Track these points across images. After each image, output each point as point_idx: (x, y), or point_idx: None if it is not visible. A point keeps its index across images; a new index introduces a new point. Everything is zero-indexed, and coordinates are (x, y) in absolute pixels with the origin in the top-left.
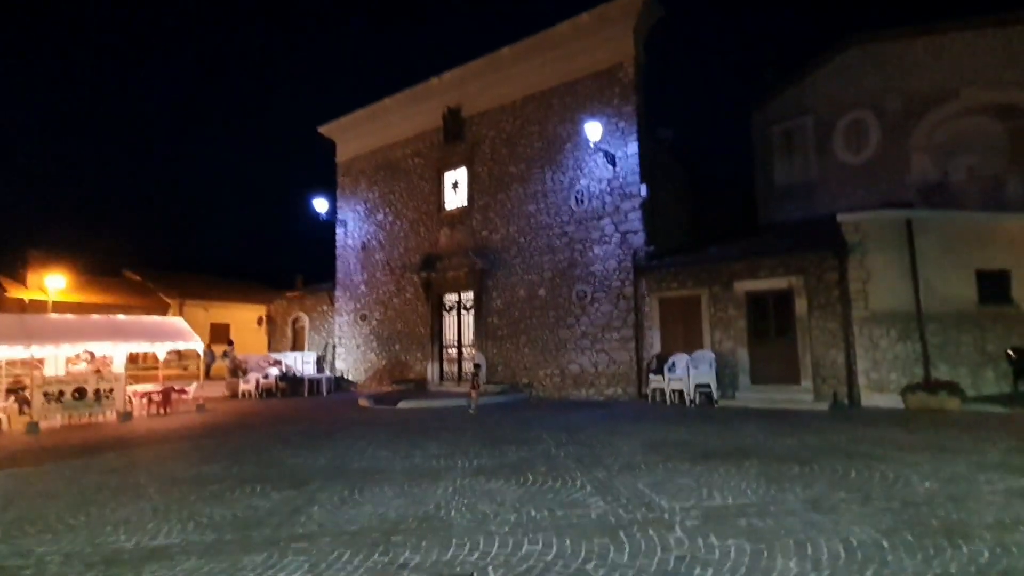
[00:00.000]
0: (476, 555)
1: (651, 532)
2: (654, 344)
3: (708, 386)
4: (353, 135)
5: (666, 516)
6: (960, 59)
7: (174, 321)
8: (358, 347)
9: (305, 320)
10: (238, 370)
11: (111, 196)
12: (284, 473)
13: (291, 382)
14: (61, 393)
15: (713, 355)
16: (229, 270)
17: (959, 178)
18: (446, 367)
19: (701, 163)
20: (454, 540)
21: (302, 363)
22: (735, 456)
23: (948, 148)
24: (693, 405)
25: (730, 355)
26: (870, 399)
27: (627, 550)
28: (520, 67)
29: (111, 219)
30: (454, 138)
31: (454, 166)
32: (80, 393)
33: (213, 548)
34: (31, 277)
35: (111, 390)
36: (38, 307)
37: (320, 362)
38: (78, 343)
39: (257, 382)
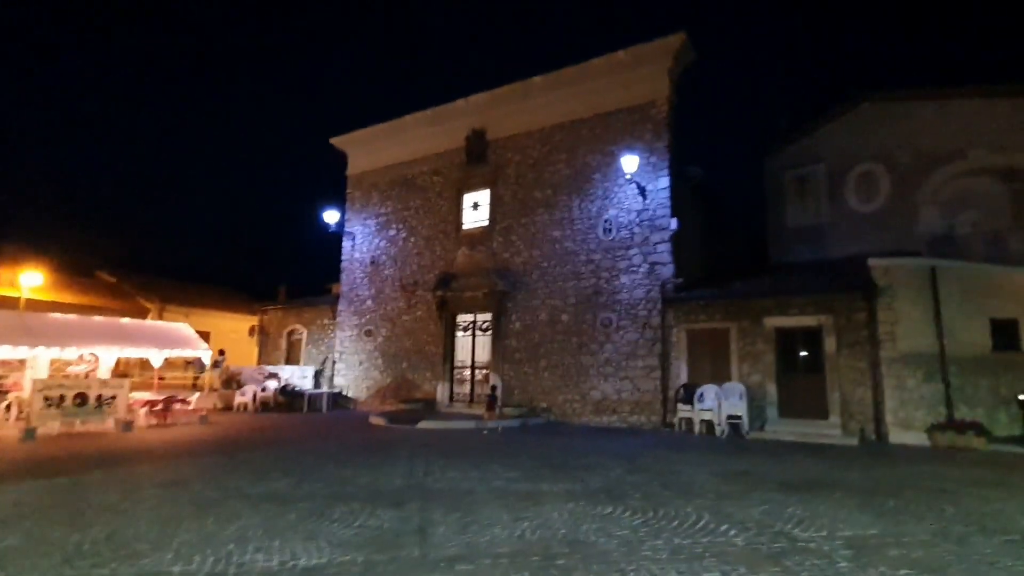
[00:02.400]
0: None
1: (816, 562)
2: (680, 374)
3: (739, 417)
4: (367, 149)
5: (812, 546)
6: (968, 122)
7: (179, 327)
8: (360, 363)
9: (303, 333)
10: (232, 381)
11: (84, 195)
12: (363, 492)
13: (290, 396)
14: (62, 398)
15: (743, 387)
16: (207, 277)
17: (964, 232)
18: (456, 388)
19: (716, 201)
20: (622, 565)
21: (299, 377)
22: (815, 488)
23: (954, 203)
24: (723, 436)
25: (758, 388)
26: (897, 436)
27: None
28: (551, 96)
29: (82, 218)
30: (477, 160)
31: (475, 187)
32: (81, 399)
33: (374, 570)
34: (1, 272)
35: (113, 397)
36: (8, 304)
37: (318, 377)
38: (84, 346)
39: (255, 395)
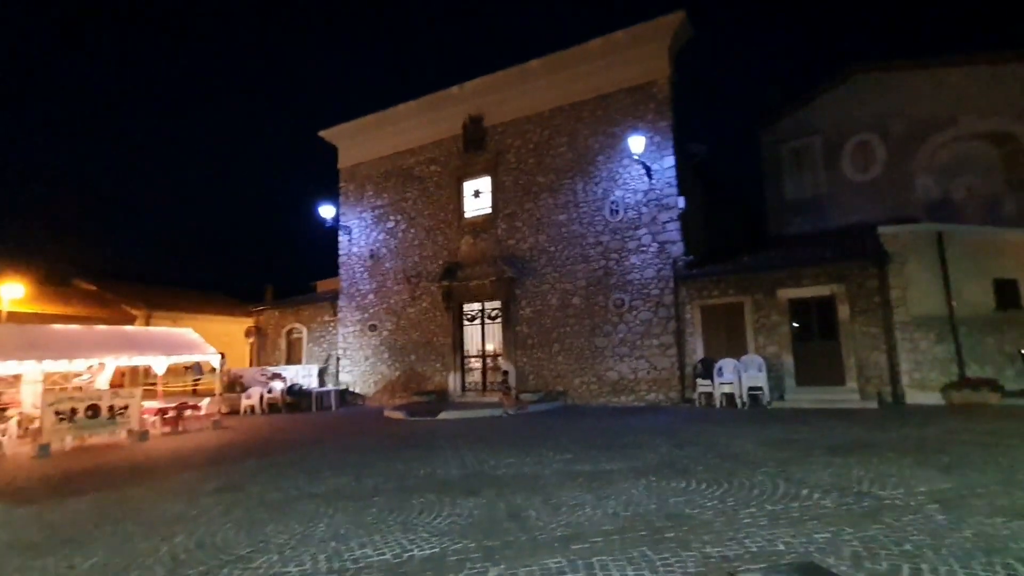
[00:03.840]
0: (782, 544)
1: (912, 517)
2: (696, 350)
3: (760, 389)
4: (358, 141)
5: (899, 503)
6: (957, 89)
7: (184, 332)
8: (366, 359)
9: (302, 331)
10: (235, 385)
11: (52, 199)
12: (428, 483)
13: (298, 396)
14: (73, 411)
15: (761, 359)
16: (187, 281)
17: (959, 197)
18: (468, 377)
19: (714, 177)
20: (730, 534)
21: (303, 376)
22: (864, 449)
23: (949, 169)
24: (745, 407)
25: (775, 359)
26: (914, 397)
27: (922, 533)
28: (549, 79)
29: (51, 224)
30: (475, 147)
31: (475, 175)
32: (93, 411)
33: (493, 556)
34: None
35: (126, 407)
36: None
37: (322, 375)
38: (92, 356)
39: (262, 397)
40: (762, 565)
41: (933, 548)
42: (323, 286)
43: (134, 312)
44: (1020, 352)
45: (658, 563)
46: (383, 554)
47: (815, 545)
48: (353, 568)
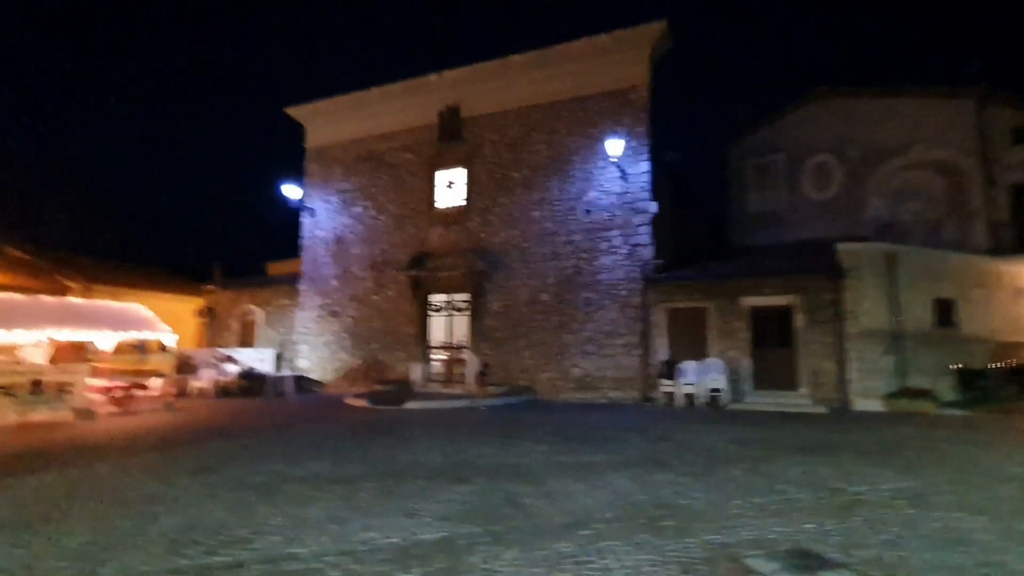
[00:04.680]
0: (774, 533)
1: (885, 512)
2: (660, 351)
3: (720, 390)
4: (328, 121)
5: (870, 498)
6: (911, 120)
7: (135, 308)
8: (326, 345)
9: (258, 314)
10: (184, 366)
11: None
12: (414, 470)
13: (253, 380)
14: (15, 386)
15: (723, 362)
16: (128, 255)
17: (906, 220)
18: (432, 368)
19: (682, 185)
20: (724, 522)
21: (257, 360)
22: (827, 450)
23: (899, 194)
24: (705, 407)
25: (734, 363)
26: (859, 404)
27: (896, 525)
28: (529, 75)
29: None
30: (451, 137)
31: (449, 165)
32: (37, 386)
33: (501, 540)
34: None
35: (71, 384)
36: None
37: (279, 359)
38: (34, 327)
39: (216, 380)
40: (761, 552)
41: (909, 538)
42: (276, 268)
43: (70, 284)
44: (952, 368)
45: (664, 548)
46: (390, 537)
47: (804, 534)
48: (363, 550)
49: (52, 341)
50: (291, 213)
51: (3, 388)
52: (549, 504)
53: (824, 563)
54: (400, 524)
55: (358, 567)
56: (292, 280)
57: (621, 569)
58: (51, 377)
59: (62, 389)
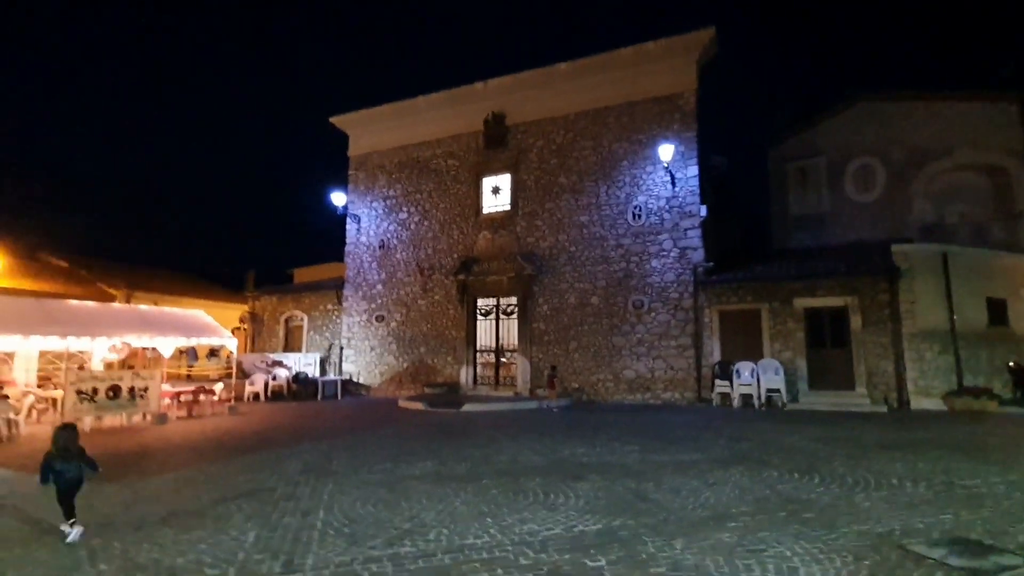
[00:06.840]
0: (920, 523)
1: (1007, 503)
2: (713, 352)
3: (777, 391)
4: (372, 129)
5: (983, 491)
6: (954, 122)
7: (197, 314)
8: (372, 349)
9: (303, 319)
10: (240, 371)
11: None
12: (521, 469)
13: (304, 384)
14: (95, 391)
15: (778, 363)
16: (162, 263)
17: (952, 221)
18: (480, 371)
19: (725, 188)
20: (864, 515)
21: (304, 364)
22: (912, 447)
23: (944, 196)
24: (762, 408)
25: (789, 364)
26: (918, 403)
27: None
28: (576, 83)
29: (21, 203)
30: (496, 144)
31: (495, 171)
32: (114, 391)
33: (656, 530)
34: None
35: (146, 389)
36: None
37: (324, 364)
38: (113, 334)
39: (266, 384)
40: (920, 540)
41: None
42: (303, 275)
43: (112, 291)
44: (1009, 365)
45: (822, 538)
46: (551, 528)
47: (948, 525)
48: (532, 540)
49: (127, 346)
50: (320, 220)
51: (85, 393)
52: (679, 499)
53: (987, 549)
54: (549, 517)
55: (544, 556)
56: (338, 285)
57: (795, 556)
58: (127, 383)
59: (138, 394)
